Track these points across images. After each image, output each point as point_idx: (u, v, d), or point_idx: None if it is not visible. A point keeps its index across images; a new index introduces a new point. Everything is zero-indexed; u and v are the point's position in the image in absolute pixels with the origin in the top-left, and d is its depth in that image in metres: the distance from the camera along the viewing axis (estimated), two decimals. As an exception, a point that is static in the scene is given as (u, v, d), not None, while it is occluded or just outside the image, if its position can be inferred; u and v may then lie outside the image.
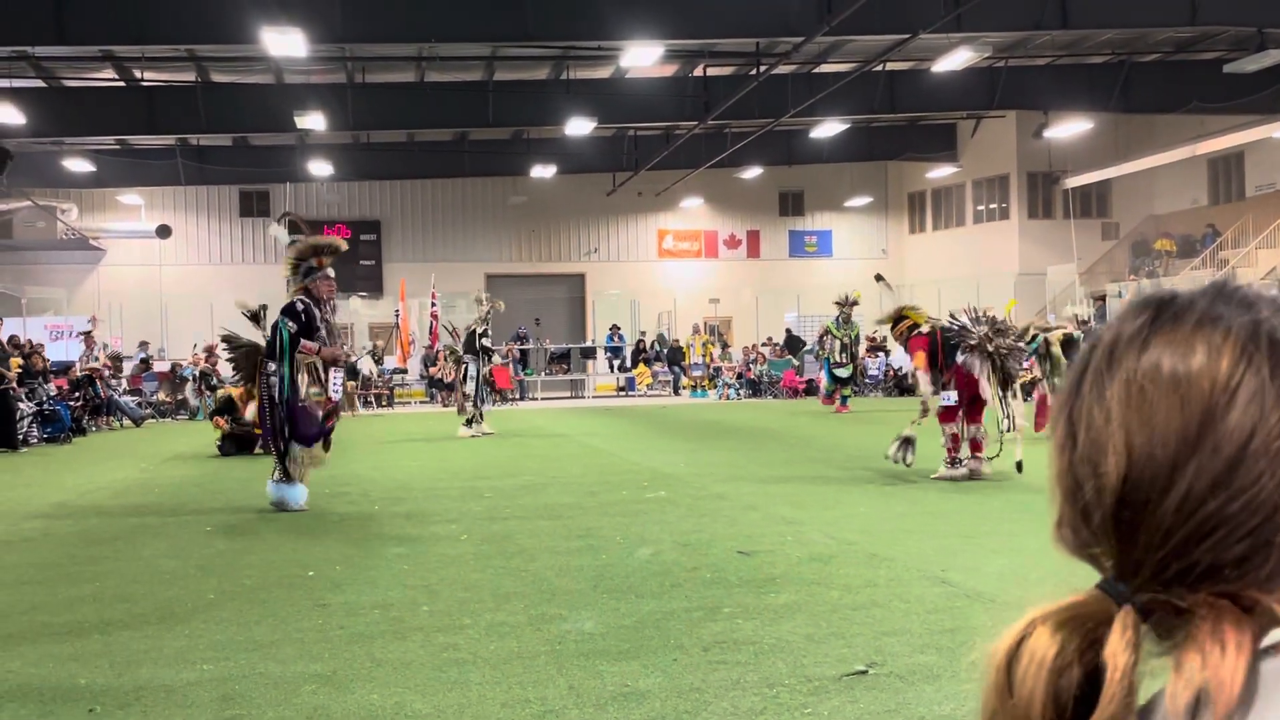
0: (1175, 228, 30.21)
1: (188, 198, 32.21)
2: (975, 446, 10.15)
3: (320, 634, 5.05)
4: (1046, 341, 14.10)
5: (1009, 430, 10.07)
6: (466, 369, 16.95)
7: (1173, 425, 0.71)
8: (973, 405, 10.18)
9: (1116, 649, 0.68)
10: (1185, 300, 0.75)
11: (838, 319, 21.83)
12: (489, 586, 5.99)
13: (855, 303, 21.90)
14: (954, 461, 10.06)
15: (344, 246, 9.67)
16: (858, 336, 21.90)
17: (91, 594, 6.02)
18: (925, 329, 10.62)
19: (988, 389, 10.02)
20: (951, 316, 10.56)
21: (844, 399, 21.53)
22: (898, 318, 10.88)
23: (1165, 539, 0.70)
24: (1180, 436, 0.71)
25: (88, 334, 23.01)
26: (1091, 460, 0.73)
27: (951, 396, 10.13)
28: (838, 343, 21.63)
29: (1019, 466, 9.92)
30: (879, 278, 11.09)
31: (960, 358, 10.14)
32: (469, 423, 16.78)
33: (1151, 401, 0.72)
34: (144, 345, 26.84)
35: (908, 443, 10.18)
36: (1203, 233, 28.95)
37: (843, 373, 21.56)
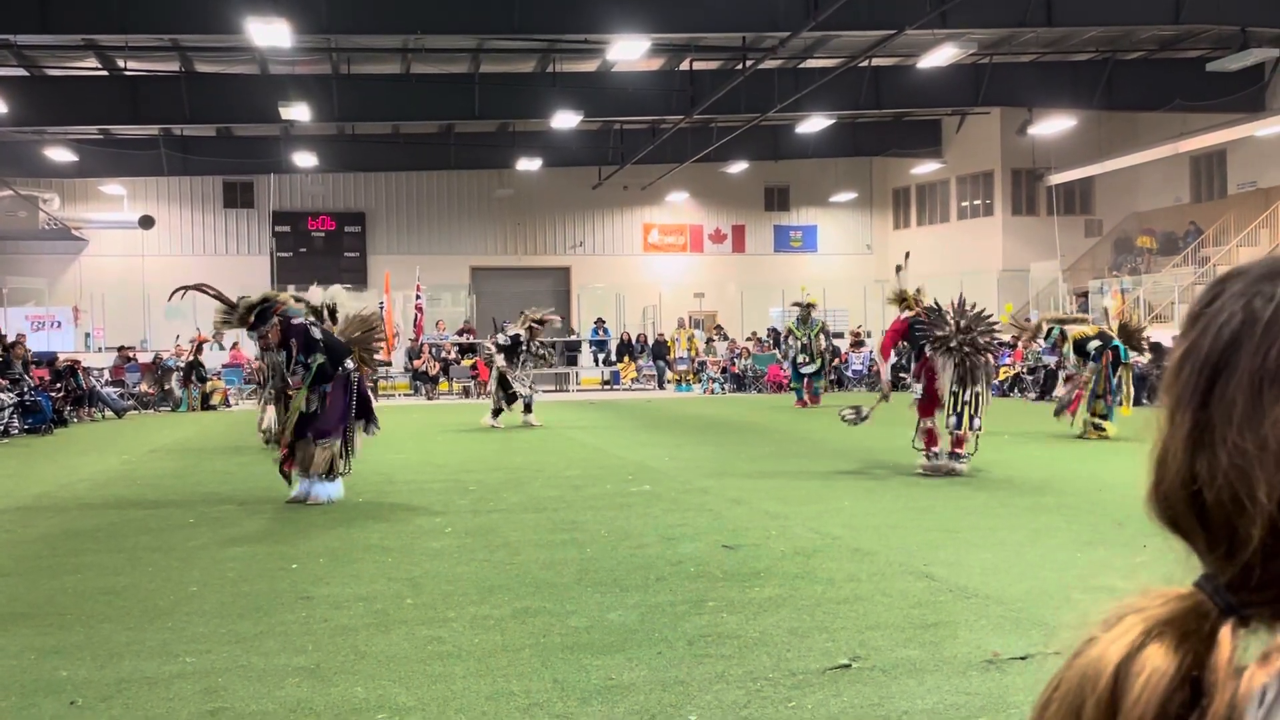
0: (1157, 225, 30.36)
1: (171, 188, 32.03)
2: (954, 443, 10.19)
3: (304, 627, 5.05)
4: (1063, 335, 14.05)
5: (954, 431, 10.10)
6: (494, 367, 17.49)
7: None
8: (935, 401, 10.26)
9: (1224, 669, 0.66)
10: None
11: (798, 320, 21.97)
12: (473, 580, 5.99)
13: (812, 305, 22.06)
14: (929, 455, 10.13)
15: (226, 312, 9.15)
16: (820, 333, 22.05)
17: (73, 586, 5.99)
18: (905, 315, 10.64)
19: (944, 388, 10.06)
20: (934, 305, 10.58)
21: (815, 391, 21.67)
22: (901, 299, 10.91)
23: None
24: None
25: None
26: (1231, 487, 0.68)
27: (919, 389, 10.33)
28: (799, 343, 21.80)
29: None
30: (899, 269, 11.25)
31: (928, 351, 10.23)
32: (495, 414, 17.17)
33: None
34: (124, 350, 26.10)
35: (858, 410, 11.12)
36: (1185, 230, 29.10)
37: (808, 369, 21.72)
